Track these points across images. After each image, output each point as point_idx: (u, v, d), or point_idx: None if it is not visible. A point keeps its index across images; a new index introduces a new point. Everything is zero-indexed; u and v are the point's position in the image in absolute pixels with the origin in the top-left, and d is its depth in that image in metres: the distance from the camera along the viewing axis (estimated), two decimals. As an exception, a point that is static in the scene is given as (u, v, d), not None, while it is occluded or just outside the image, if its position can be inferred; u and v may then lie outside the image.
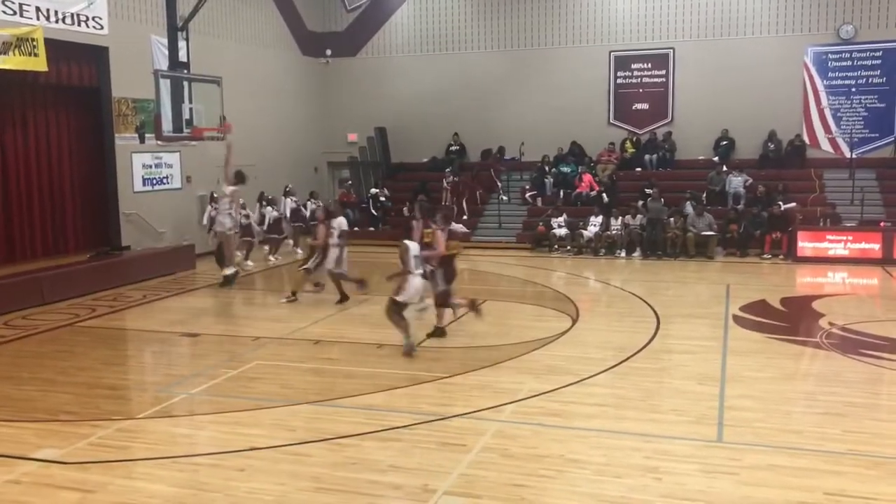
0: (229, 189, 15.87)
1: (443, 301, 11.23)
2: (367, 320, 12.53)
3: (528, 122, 23.98)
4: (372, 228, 23.01)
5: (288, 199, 20.75)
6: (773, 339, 11.28)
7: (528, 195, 22.92)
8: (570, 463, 6.81)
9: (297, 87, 25.08)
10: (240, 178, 16.03)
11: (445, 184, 23.39)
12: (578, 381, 9.13)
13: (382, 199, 23.72)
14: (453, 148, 25.06)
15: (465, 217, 22.58)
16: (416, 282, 10.27)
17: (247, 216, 19.12)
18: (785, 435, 7.43)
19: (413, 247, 10.38)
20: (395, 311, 10.28)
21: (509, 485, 6.36)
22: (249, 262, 18.73)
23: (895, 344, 10.73)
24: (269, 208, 19.80)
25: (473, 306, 11.44)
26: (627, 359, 10.12)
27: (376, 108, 25.55)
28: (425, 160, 25.37)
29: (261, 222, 19.71)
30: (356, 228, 22.14)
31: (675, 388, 9.00)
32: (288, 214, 20.56)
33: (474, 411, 8.12)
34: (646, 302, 13.83)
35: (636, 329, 11.76)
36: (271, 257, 19.65)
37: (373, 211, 23.39)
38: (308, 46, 25.57)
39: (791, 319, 12.77)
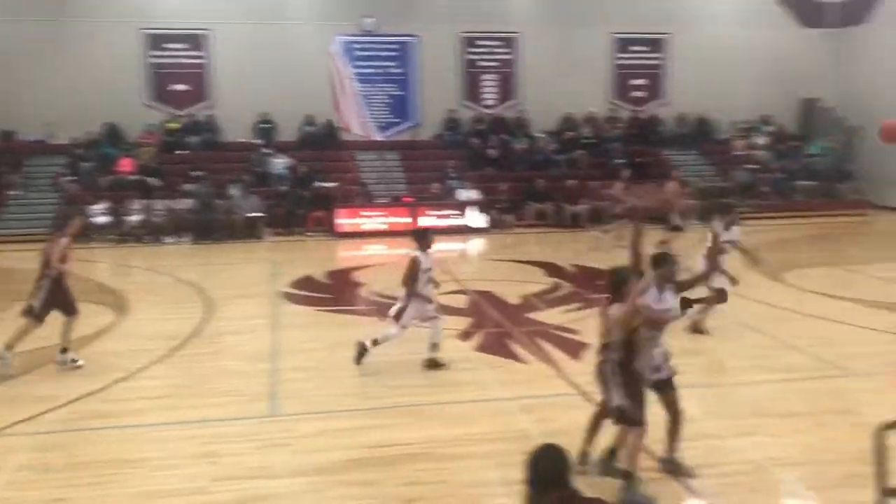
0: None
1: None
2: None
3: (55, 102, 21.62)
4: None
5: None
6: (321, 311, 11.96)
7: (63, 180, 20.70)
8: (123, 464, 6.43)
9: None
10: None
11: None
12: (128, 377, 8.66)
13: None
14: (-36, 128, 21.59)
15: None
16: None
17: None
18: (336, 399, 7.97)
19: None
20: None
21: (48, 501, 5.77)
22: None
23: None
24: None
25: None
26: (179, 346, 9.86)
27: None
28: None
29: None
30: None
31: (228, 369, 9.03)
32: None
33: (5, 427, 7.17)
34: (198, 287, 13.60)
35: (189, 315, 11.48)
36: None
37: None
38: None
39: (336, 291, 13.65)
